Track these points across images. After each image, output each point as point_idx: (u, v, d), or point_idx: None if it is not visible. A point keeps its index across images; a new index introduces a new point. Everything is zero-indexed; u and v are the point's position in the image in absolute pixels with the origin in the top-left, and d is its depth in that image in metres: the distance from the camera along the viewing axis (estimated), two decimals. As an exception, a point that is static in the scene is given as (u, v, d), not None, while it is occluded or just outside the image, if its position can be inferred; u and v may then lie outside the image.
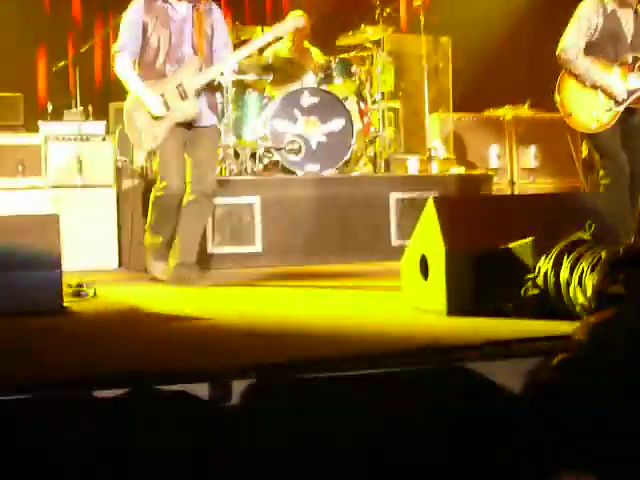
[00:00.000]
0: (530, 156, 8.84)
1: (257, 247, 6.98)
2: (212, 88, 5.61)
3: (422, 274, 3.93)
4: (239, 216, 6.95)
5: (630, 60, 5.88)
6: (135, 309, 4.46)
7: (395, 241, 7.18)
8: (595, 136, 5.94)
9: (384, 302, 4.41)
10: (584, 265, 3.21)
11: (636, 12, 6.02)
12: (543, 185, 8.87)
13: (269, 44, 7.61)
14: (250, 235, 6.97)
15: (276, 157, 7.43)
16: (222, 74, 5.66)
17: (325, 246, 7.06)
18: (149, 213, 5.63)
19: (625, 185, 5.84)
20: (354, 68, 7.97)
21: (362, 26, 8.12)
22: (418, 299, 3.99)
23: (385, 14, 8.05)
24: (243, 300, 4.81)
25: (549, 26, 10.35)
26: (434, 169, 7.79)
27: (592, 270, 3.12)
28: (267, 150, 7.44)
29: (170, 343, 3.37)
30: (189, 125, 5.46)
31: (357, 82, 7.97)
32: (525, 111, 9.11)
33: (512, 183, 8.82)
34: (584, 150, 9.43)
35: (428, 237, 3.90)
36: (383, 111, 7.95)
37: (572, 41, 5.90)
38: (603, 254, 3.11)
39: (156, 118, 5.37)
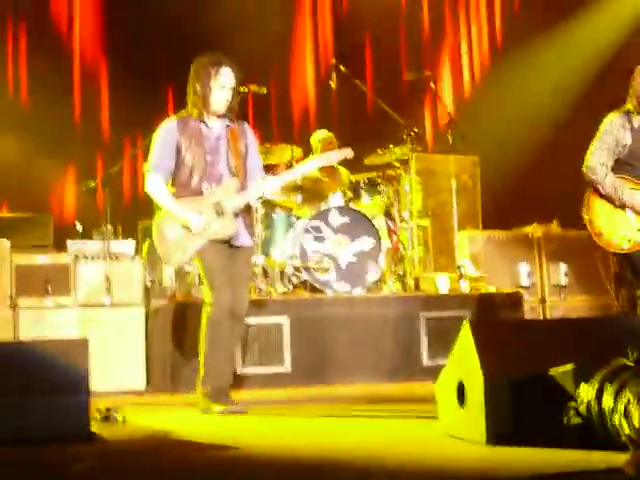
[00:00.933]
0: (560, 273, 8.77)
1: (286, 367, 6.90)
2: (248, 208, 5.60)
3: (459, 401, 3.84)
4: (268, 336, 6.89)
5: None
6: (164, 437, 4.38)
7: (426, 361, 7.10)
8: (629, 256, 5.75)
9: (419, 430, 4.30)
10: (629, 394, 3.11)
11: None
12: (574, 303, 8.78)
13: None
14: (279, 355, 6.90)
15: (305, 276, 7.41)
16: (261, 198, 5.69)
17: (356, 366, 6.97)
18: (201, 348, 5.39)
19: None
20: (382, 187, 8.01)
21: (390, 145, 8.19)
22: (455, 427, 3.89)
23: (412, 133, 8.09)
24: (272, 428, 4.70)
25: (575, 142, 10.48)
26: (464, 288, 7.73)
27: (639, 400, 3.02)
28: (296, 269, 7.42)
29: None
30: (227, 243, 5.44)
31: (385, 201, 8.00)
32: (554, 228, 9.08)
33: (543, 301, 8.73)
34: (614, 266, 9.41)
35: (464, 362, 3.82)
36: (412, 230, 7.94)
37: (598, 159, 5.72)
38: (649, 383, 3.01)
39: (189, 233, 5.35)
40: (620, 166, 5.74)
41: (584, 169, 5.76)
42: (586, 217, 5.80)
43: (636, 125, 5.73)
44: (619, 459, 2.72)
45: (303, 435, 4.36)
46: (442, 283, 7.66)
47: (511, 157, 10.24)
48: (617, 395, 3.20)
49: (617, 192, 5.66)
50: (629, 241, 5.67)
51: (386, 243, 7.77)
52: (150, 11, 9.84)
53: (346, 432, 4.43)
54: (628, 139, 5.71)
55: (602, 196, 5.71)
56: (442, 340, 7.02)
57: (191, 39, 9.44)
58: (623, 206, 5.67)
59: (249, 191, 5.50)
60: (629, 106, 5.78)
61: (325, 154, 5.89)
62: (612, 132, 5.73)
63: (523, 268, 8.63)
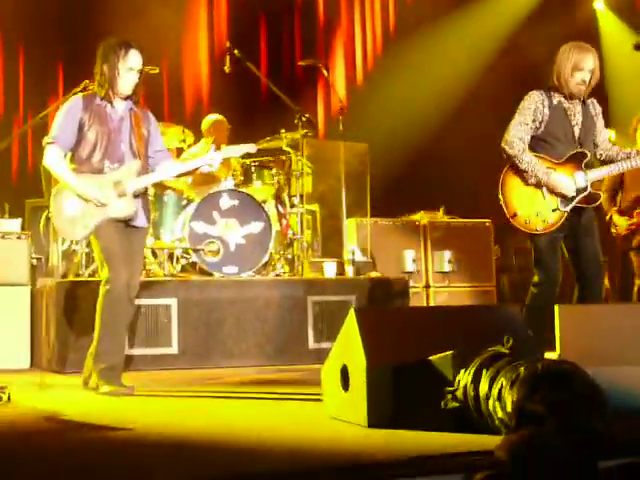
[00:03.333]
0: (444, 260, 9.01)
1: (174, 349, 6.93)
2: (145, 190, 5.64)
3: (343, 385, 3.94)
4: (156, 317, 6.91)
5: (577, 156, 5.63)
6: (51, 417, 4.37)
7: (312, 344, 7.22)
8: (537, 238, 5.62)
9: (304, 413, 4.39)
10: (503, 380, 3.25)
11: (584, 103, 5.76)
12: (458, 289, 9.03)
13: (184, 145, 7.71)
14: (167, 337, 6.93)
15: (194, 259, 7.44)
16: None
17: (243, 348, 7.07)
18: (97, 326, 5.36)
19: (553, 297, 5.53)
20: (273, 172, 8.09)
21: (281, 130, 8.26)
22: (338, 410, 3.99)
23: (304, 119, 8.17)
24: (159, 409, 4.73)
25: (462, 132, 10.74)
26: (351, 273, 7.87)
27: (511, 385, 3.16)
28: (185, 251, 7.45)
29: (89, 457, 3.29)
30: (124, 223, 5.45)
31: (276, 185, 8.08)
32: (440, 217, 9.32)
33: (427, 287, 8.96)
34: (496, 253, 9.70)
35: (349, 348, 3.92)
36: (301, 214, 8.04)
37: (517, 134, 5.61)
38: (522, 370, 3.16)
39: (89, 209, 5.34)
40: (537, 143, 5.67)
41: (502, 143, 5.65)
42: (501, 197, 5.67)
43: (555, 103, 5.67)
44: (493, 442, 2.84)
45: (188, 416, 4.40)
46: (329, 268, 7.80)
47: (400, 145, 10.43)
48: (492, 381, 3.34)
49: (534, 169, 5.56)
50: (543, 221, 5.57)
51: (275, 227, 7.85)
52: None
53: (231, 414, 4.49)
54: (547, 115, 5.64)
55: (518, 172, 5.61)
56: (328, 324, 7.18)
57: (82, 18, 9.34)
58: (539, 183, 5.57)
59: (152, 175, 5.54)
60: (550, 84, 5.72)
61: (230, 147, 5.92)
62: (532, 108, 5.64)
63: (409, 255, 8.84)
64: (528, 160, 5.58)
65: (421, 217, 9.19)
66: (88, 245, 6.85)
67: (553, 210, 5.59)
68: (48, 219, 5.71)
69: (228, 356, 6.99)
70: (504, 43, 11.33)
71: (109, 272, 5.31)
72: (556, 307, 3.96)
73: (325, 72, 9.20)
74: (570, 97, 5.68)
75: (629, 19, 11.08)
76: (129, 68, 5.45)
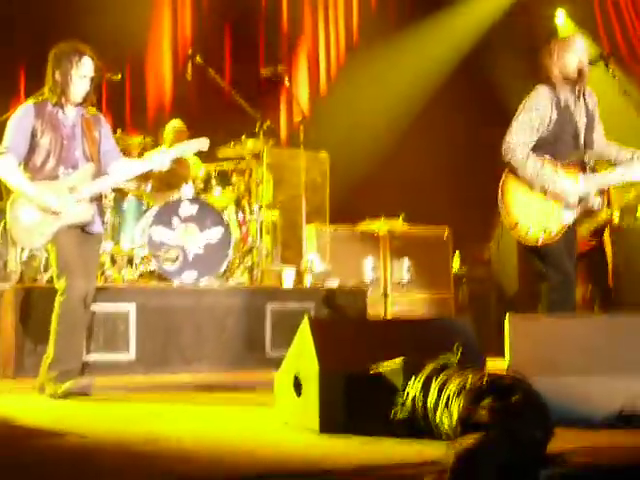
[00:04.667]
0: (403, 269, 9.08)
1: (131, 355, 6.93)
2: (99, 195, 5.67)
3: (295, 391, 3.99)
4: (114, 323, 6.90)
5: (581, 159, 5.35)
6: (3, 424, 4.38)
7: (270, 352, 7.24)
8: (543, 247, 5.29)
9: (257, 419, 4.42)
10: (451, 389, 3.31)
11: (585, 100, 5.43)
12: (415, 298, 9.10)
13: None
14: (124, 343, 6.92)
15: (153, 265, 7.45)
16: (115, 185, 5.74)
17: (200, 355, 7.08)
18: (52, 334, 5.37)
19: (574, 298, 5.27)
20: (233, 179, 8.12)
21: (242, 138, 8.29)
22: (291, 416, 4.04)
23: (265, 127, 8.22)
24: (114, 415, 4.74)
25: (420, 143, 10.83)
26: (309, 281, 7.92)
27: (458, 395, 3.22)
28: (144, 258, 7.45)
29: (41, 466, 3.30)
30: (81, 229, 5.47)
31: (236, 193, 8.11)
32: (399, 225, 9.38)
33: (385, 295, 9.02)
34: (455, 264, 9.79)
35: (303, 355, 3.97)
36: (261, 222, 8.08)
37: (521, 138, 5.24)
38: (469, 379, 3.23)
39: (45, 217, 5.35)
40: (540, 144, 5.32)
41: (504, 147, 5.28)
42: (501, 206, 5.34)
43: (563, 100, 5.34)
44: (441, 451, 2.88)
45: (139, 422, 4.41)
46: (288, 276, 7.83)
47: (360, 154, 10.49)
48: (440, 390, 3.40)
49: (539, 175, 5.22)
50: (545, 231, 5.23)
51: (235, 234, 7.88)
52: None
53: (183, 420, 4.52)
54: (555, 117, 5.31)
55: (520, 178, 5.28)
56: (286, 332, 7.17)
57: (44, 21, 9.31)
58: (544, 192, 5.25)
59: (106, 178, 5.58)
60: (551, 81, 5.36)
61: (181, 145, 5.95)
62: (540, 108, 5.28)
63: (367, 263, 8.90)
64: (533, 166, 5.22)
65: (380, 225, 9.25)
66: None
67: (556, 220, 5.25)
68: (5, 227, 5.70)
69: (185, 363, 7.00)
70: (464, 56, 11.43)
71: (66, 281, 5.32)
72: (507, 315, 4.02)
73: (287, 81, 9.26)
74: (573, 89, 5.37)
75: (591, 33, 11.23)
76: (82, 75, 5.49)
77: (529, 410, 2.95)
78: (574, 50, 5.36)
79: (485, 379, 3.09)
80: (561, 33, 11.54)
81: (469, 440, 2.81)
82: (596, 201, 5.31)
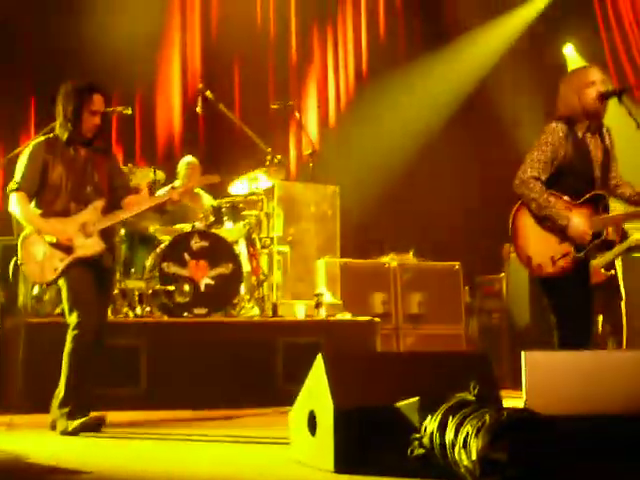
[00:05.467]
0: (414, 303, 9.04)
1: (142, 390, 6.89)
2: (111, 230, 5.69)
3: (310, 429, 3.95)
4: (124, 358, 6.87)
5: (595, 198, 5.21)
6: (14, 459, 4.35)
7: (283, 385, 7.18)
8: (550, 280, 5.20)
9: (271, 456, 4.38)
10: (469, 427, 3.28)
11: (602, 136, 5.33)
12: (427, 331, 9.05)
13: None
14: (135, 378, 6.89)
15: (164, 300, 7.42)
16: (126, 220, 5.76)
17: (213, 390, 7.01)
18: (64, 369, 5.34)
19: (586, 335, 5.05)
20: (244, 212, 8.10)
21: (253, 172, 8.29)
22: (306, 454, 4.00)
23: (276, 161, 8.23)
24: (121, 453, 4.70)
25: (432, 176, 10.84)
26: (321, 314, 7.89)
27: (477, 433, 3.19)
28: (155, 292, 7.43)
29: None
30: (92, 264, 5.46)
31: (247, 226, 8.09)
32: (409, 259, 9.36)
33: (396, 329, 8.97)
34: (466, 296, 9.75)
35: (317, 392, 3.93)
36: (272, 256, 8.06)
37: (534, 172, 5.14)
38: (487, 418, 3.19)
39: (57, 252, 5.36)
40: (555, 180, 5.22)
41: (517, 182, 5.19)
42: (513, 239, 5.29)
43: (579, 136, 5.24)
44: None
45: (150, 460, 4.38)
46: (300, 309, 7.80)
47: (371, 188, 10.49)
48: (458, 428, 3.36)
49: (553, 213, 5.12)
50: (555, 266, 5.15)
51: (246, 268, 7.86)
52: (14, 20, 9.65)
53: (195, 457, 4.48)
54: (570, 152, 5.20)
55: (532, 214, 5.19)
56: (298, 366, 7.08)
57: (56, 54, 9.36)
58: (558, 228, 5.15)
59: (116, 213, 5.58)
60: (567, 116, 5.26)
61: (193, 179, 5.99)
62: (552, 143, 5.18)
63: (378, 297, 8.87)
64: (546, 204, 5.12)
65: (391, 259, 9.23)
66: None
67: (565, 255, 5.16)
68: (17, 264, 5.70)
69: (197, 398, 6.93)
70: (474, 89, 11.45)
71: (78, 316, 5.32)
72: (523, 353, 3.98)
73: (297, 114, 9.29)
74: (590, 125, 5.25)
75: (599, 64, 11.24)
76: (92, 111, 5.51)
77: (548, 448, 2.91)
78: (592, 83, 5.25)
79: (504, 417, 3.05)
80: (570, 66, 11.56)
81: (489, 480, 2.78)
82: (609, 236, 5.23)
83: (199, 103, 8.22)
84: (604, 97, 5.24)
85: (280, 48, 11.17)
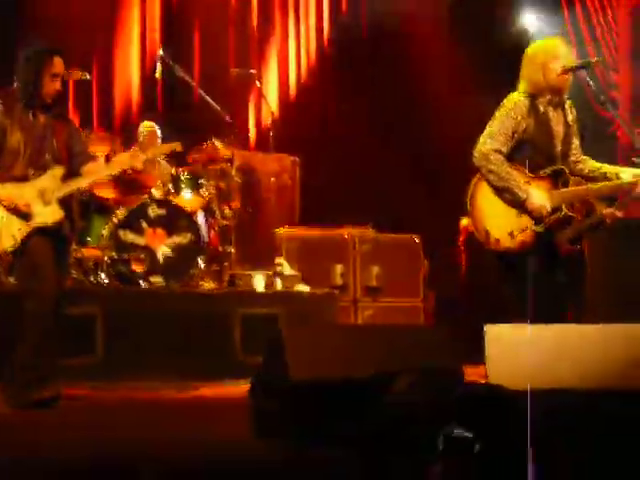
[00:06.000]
0: (373, 275, 9.00)
1: (97, 359, 6.81)
2: (70, 198, 5.58)
3: (267, 400, 3.91)
4: (81, 327, 6.77)
5: (555, 173, 5.19)
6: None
7: (240, 358, 7.12)
8: (508, 255, 5.17)
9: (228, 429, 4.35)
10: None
11: (564, 111, 5.33)
12: (385, 304, 9.02)
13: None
14: (91, 347, 6.81)
15: (120, 268, 7.32)
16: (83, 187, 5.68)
17: (168, 361, 6.93)
18: (22, 340, 5.27)
19: (545, 307, 4.94)
20: (203, 182, 8.00)
21: (213, 141, 8.18)
22: (263, 426, 3.96)
23: (236, 130, 8.14)
24: (83, 422, 4.66)
25: (392, 148, 10.80)
26: (279, 286, 7.83)
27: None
28: (111, 260, 7.33)
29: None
30: (50, 232, 5.35)
31: (206, 196, 8.00)
32: (369, 231, 9.31)
33: (355, 302, 8.93)
34: (426, 269, 9.74)
35: (274, 364, 3.89)
36: (230, 226, 7.98)
37: (495, 144, 5.08)
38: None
39: (14, 220, 5.25)
40: (514, 153, 5.17)
41: (476, 154, 5.14)
42: (470, 212, 5.22)
43: (540, 110, 5.20)
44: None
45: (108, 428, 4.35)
46: (258, 281, 7.74)
47: (331, 159, 10.42)
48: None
49: (512, 186, 5.07)
50: (513, 239, 5.11)
51: (204, 239, 7.77)
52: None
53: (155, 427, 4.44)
54: (531, 125, 5.16)
55: (491, 187, 5.14)
56: (256, 337, 7.09)
57: (9, 20, 9.16)
58: (517, 203, 5.10)
59: (75, 180, 5.48)
60: (530, 88, 5.22)
61: (153, 148, 5.90)
62: (513, 116, 5.13)
63: (337, 268, 8.82)
64: (506, 176, 5.08)
65: (350, 231, 9.17)
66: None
67: (524, 229, 5.13)
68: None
69: (153, 368, 6.85)
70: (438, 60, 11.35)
71: (35, 286, 5.22)
72: (485, 327, 3.95)
73: (258, 83, 9.19)
74: (553, 99, 5.23)
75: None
76: (53, 74, 5.39)
77: (511, 422, 2.89)
78: (556, 57, 5.20)
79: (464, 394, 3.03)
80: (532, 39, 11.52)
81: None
82: (569, 211, 5.19)
83: (158, 69, 8.11)
84: (568, 71, 5.22)
85: (241, 18, 11.00)
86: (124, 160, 5.74)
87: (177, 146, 5.82)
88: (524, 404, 2.96)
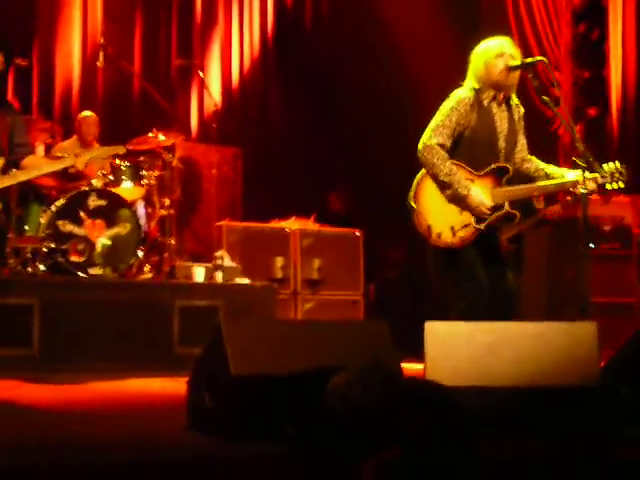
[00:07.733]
0: (314, 268, 9.01)
1: (33, 351, 6.71)
2: (6, 188, 5.50)
3: (206, 396, 3.88)
4: (16, 318, 6.68)
5: (498, 170, 5.21)
6: None
7: (178, 350, 7.08)
8: (457, 252, 5.18)
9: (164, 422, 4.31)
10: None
11: (509, 106, 5.34)
12: (326, 297, 9.04)
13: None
14: (27, 338, 6.71)
15: (58, 258, 7.23)
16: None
17: (106, 353, 6.87)
18: None
19: (484, 306, 5.05)
20: (144, 172, 7.92)
21: (154, 131, 8.12)
22: (201, 422, 3.93)
23: (178, 121, 8.09)
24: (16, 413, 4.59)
25: (337, 140, 10.80)
26: (219, 278, 7.79)
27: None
28: (49, 250, 7.23)
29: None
30: None
31: (146, 187, 7.93)
32: (310, 224, 9.32)
33: (295, 294, 8.93)
34: (366, 263, 9.77)
35: (214, 358, 3.86)
36: (171, 217, 7.92)
37: (440, 138, 5.10)
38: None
39: None
40: (457, 148, 5.19)
41: (420, 147, 5.12)
42: (414, 206, 5.19)
43: (484, 105, 5.21)
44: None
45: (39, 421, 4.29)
46: (198, 273, 7.69)
47: (274, 151, 10.40)
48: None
49: (454, 182, 5.07)
50: (455, 236, 5.13)
51: (144, 229, 7.71)
52: None
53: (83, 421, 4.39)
54: (474, 119, 5.16)
55: (436, 182, 5.13)
56: (195, 329, 7.06)
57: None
58: (456, 197, 5.12)
59: (17, 173, 5.43)
60: (475, 85, 5.24)
61: (100, 148, 5.83)
62: (457, 110, 5.14)
63: (277, 261, 8.81)
64: (448, 171, 5.08)
65: (291, 224, 9.17)
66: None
67: (466, 225, 5.14)
68: None
69: (90, 360, 6.78)
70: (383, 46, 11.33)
71: None
72: (425, 324, 3.97)
73: (201, 73, 9.13)
74: (498, 96, 5.24)
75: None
76: None
77: (447, 421, 2.90)
78: (500, 55, 5.22)
79: (402, 390, 3.03)
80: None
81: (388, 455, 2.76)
82: (512, 210, 5.21)
83: (100, 57, 8.02)
84: (511, 69, 5.25)
85: (184, 4, 10.90)
86: (66, 160, 5.67)
87: (121, 150, 5.76)
88: (460, 400, 2.98)
